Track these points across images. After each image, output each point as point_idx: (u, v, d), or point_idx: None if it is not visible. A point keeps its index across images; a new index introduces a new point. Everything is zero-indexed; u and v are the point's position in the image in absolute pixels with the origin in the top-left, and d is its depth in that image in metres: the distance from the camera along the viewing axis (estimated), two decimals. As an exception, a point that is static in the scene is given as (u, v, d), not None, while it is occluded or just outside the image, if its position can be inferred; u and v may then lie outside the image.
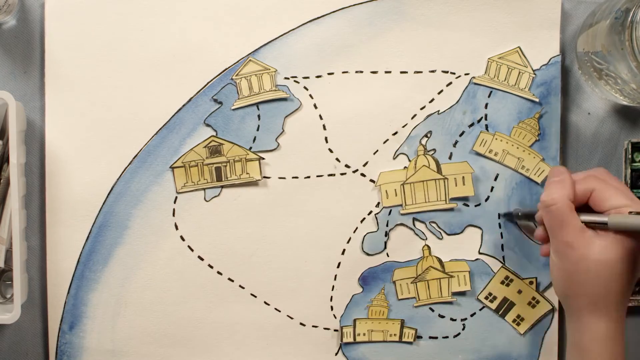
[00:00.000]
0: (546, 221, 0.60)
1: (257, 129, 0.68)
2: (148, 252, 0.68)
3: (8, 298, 0.68)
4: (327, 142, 0.68)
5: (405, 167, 0.68)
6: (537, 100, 0.68)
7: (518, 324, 0.69)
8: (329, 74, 0.68)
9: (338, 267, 0.69)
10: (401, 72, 0.68)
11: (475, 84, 0.68)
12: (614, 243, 0.57)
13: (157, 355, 0.69)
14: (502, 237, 0.69)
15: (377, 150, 0.68)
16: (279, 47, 0.68)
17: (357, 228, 0.69)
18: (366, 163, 0.68)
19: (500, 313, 0.69)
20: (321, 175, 0.69)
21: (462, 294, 0.69)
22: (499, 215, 0.69)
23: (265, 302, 0.69)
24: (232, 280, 0.69)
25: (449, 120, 0.68)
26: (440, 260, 0.69)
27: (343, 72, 0.68)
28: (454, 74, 0.68)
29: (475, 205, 0.69)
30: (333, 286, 0.69)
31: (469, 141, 0.69)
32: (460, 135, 0.69)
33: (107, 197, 0.68)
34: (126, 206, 0.68)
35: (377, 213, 0.69)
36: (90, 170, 0.68)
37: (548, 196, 0.59)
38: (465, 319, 0.69)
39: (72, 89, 0.68)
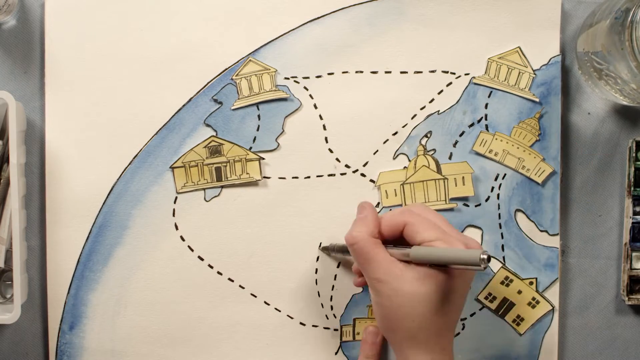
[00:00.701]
0: (354, 259, 0.60)
1: (257, 129, 0.68)
2: (148, 252, 0.68)
3: (8, 298, 0.68)
4: (327, 142, 0.68)
5: (405, 167, 0.68)
6: (537, 100, 0.68)
7: (518, 324, 0.69)
8: (329, 74, 0.68)
9: (338, 267, 0.69)
10: (401, 72, 0.68)
11: (475, 84, 0.68)
12: (425, 277, 0.57)
13: (157, 355, 0.69)
14: (502, 237, 0.69)
15: (377, 150, 0.68)
16: (279, 47, 0.68)
17: (357, 228, 0.69)
18: (366, 163, 0.68)
19: (500, 313, 0.69)
20: (321, 175, 0.69)
21: (462, 294, 0.69)
22: (319, 245, 0.68)
23: (265, 302, 0.69)
24: (232, 280, 0.69)
25: (449, 120, 0.68)
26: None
27: (343, 72, 0.68)
28: (454, 74, 0.68)
29: (476, 206, 0.69)
30: (333, 286, 0.69)
31: (469, 141, 0.69)
32: (460, 135, 0.69)
33: (107, 197, 0.68)
34: (126, 206, 0.68)
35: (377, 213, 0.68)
36: (90, 170, 0.68)
37: (350, 234, 0.60)
38: (465, 319, 0.69)
39: (72, 89, 0.68)
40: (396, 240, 0.60)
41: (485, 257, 0.52)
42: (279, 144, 0.68)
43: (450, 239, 0.57)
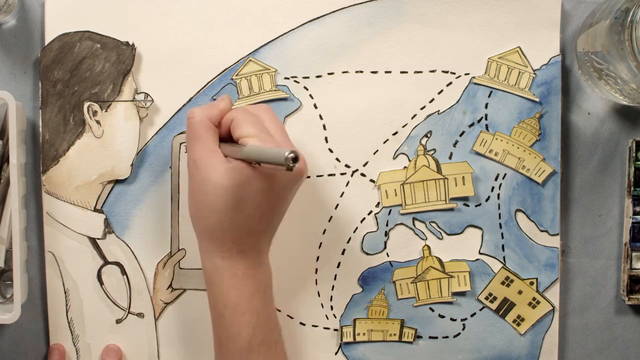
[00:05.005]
0: (187, 133, 0.60)
1: (257, 129, 0.68)
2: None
3: (8, 298, 0.68)
4: (327, 142, 0.68)
5: (405, 167, 0.68)
6: (537, 100, 0.68)
7: (518, 324, 0.69)
8: (329, 74, 0.68)
9: (338, 267, 0.69)
10: (401, 72, 0.68)
11: (476, 83, 0.68)
12: (234, 170, 0.56)
13: (157, 355, 0.69)
14: (502, 237, 0.69)
15: (377, 150, 0.68)
16: (279, 47, 0.68)
17: (357, 228, 0.69)
18: (366, 163, 0.68)
19: (500, 313, 0.69)
20: (321, 175, 0.69)
21: (462, 294, 0.69)
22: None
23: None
24: (232, 280, 0.69)
25: (449, 120, 0.68)
26: (440, 261, 0.68)
27: (343, 72, 0.68)
28: (454, 73, 0.68)
29: (476, 206, 0.69)
30: (333, 286, 0.69)
31: (469, 141, 0.69)
32: (461, 135, 0.69)
33: (107, 197, 0.68)
34: (126, 206, 0.68)
35: (377, 213, 0.69)
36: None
37: (192, 109, 0.60)
38: (465, 319, 0.69)
39: (72, 89, 0.68)
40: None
41: (291, 155, 0.51)
42: (279, 144, 0.68)
43: (267, 140, 0.57)
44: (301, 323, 0.69)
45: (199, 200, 0.58)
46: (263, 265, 0.61)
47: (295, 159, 0.51)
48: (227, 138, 0.60)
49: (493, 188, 0.69)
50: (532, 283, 0.69)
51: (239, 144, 0.58)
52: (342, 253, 0.69)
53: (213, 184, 0.56)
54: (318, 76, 0.68)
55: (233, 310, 0.58)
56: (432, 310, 0.69)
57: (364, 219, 0.69)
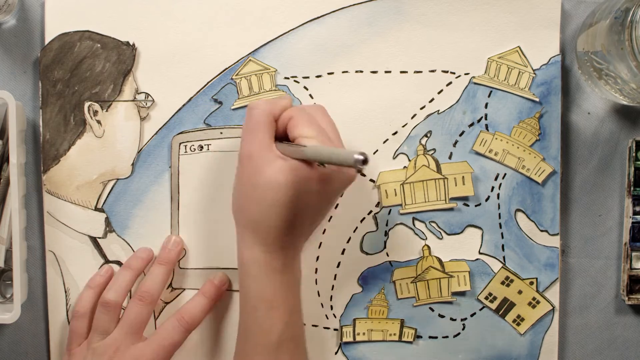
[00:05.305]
0: (245, 125, 0.59)
1: (257, 129, 0.68)
2: (148, 252, 0.69)
3: (8, 298, 0.68)
4: (327, 142, 0.68)
5: (405, 167, 0.68)
6: (537, 99, 0.68)
7: (518, 324, 0.69)
8: (329, 74, 0.68)
9: (338, 266, 0.69)
10: (401, 72, 0.68)
11: (475, 83, 0.68)
12: (290, 168, 0.55)
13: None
14: (502, 237, 0.69)
15: (377, 150, 0.68)
16: (279, 47, 0.68)
17: (356, 228, 0.69)
18: (367, 159, 0.68)
19: (500, 313, 0.69)
20: (321, 175, 0.68)
21: (462, 294, 0.69)
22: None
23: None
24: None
25: (449, 120, 0.68)
26: (440, 260, 0.68)
27: (343, 72, 0.68)
28: (453, 73, 0.68)
29: (476, 205, 0.69)
30: (333, 286, 0.69)
31: (469, 141, 0.69)
32: (460, 135, 0.69)
33: (107, 197, 0.68)
34: (126, 206, 0.68)
35: (377, 213, 0.69)
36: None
37: (256, 101, 0.60)
38: (465, 318, 0.69)
39: (72, 89, 0.68)
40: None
41: (361, 158, 0.50)
42: (278, 143, 0.68)
43: (324, 140, 0.57)
44: (301, 323, 0.69)
45: (247, 193, 0.57)
46: (297, 262, 0.61)
47: (365, 161, 0.50)
48: (280, 136, 0.60)
49: (493, 188, 0.69)
50: (532, 283, 0.69)
51: (295, 143, 0.57)
52: (342, 253, 0.69)
53: (266, 179, 0.56)
54: (318, 76, 0.68)
55: (268, 304, 0.58)
56: (432, 310, 0.69)
57: (364, 218, 0.69)
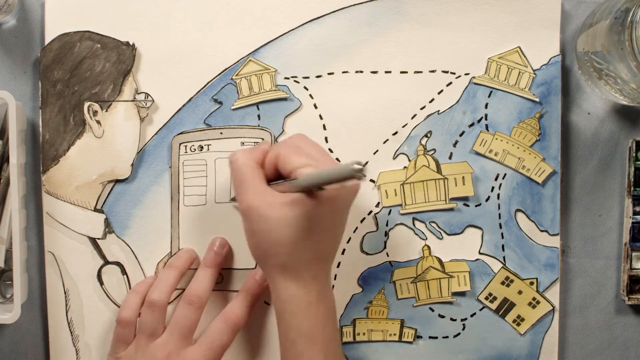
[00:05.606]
0: (233, 181, 0.60)
1: (257, 129, 0.68)
2: (148, 252, 0.68)
3: (8, 298, 0.68)
4: (327, 142, 0.68)
5: (405, 167, 0.68)
6: (537, 100, 0.68)
7: (518, 324, 0.69)
8: (329, 74, 0.68)
9: (338, 267, 0.69)
10: (401, 72, 0.68)
11: (475, 83, 0.68)
12: (293, 202, 0.56)
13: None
14: (502, 237, 0.69)
15: (377, 150, 0.68)
16: (279, 47, 0.68)
17: (356, 228, 0.69)
18: (366, 163, 0.68)
19: (500, 313, 0.69)
20: (321, 175, 0.68)
21: (462, 294, 0.69)
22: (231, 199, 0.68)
23: (265, 302, 0.69)
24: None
25: (449, 120, 0.68)
26: (440, 261, 0.68)
27: (343, 72, 0.68)
28: (454, 73, 0.68)
29: (476, 206, 0.69)
30: (333, 286, 0.69)
31: (469, 141, 0.69)
32: (460, 135, 0.69)
33: (107, 197, 0.68)
34: (126, 206, 0.68)
35: (377, 213, 0.69)
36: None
37: (233, 153, 0.60)
38: (465, 319, 0.69)
39: (72, 89, 0.68)
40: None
41: (358, 166, 0.49)
42: (279, 143, 0.68)
43: (319, 164, 0.57)
44: (301, 323, 0.69)
45: (263, 239, 0.58)
46: (330, 290, 0.61)
47: (363, 168, 0.50)
48: (273, 178, 0.60)
49: (493, 188, 0.69)
50: (532, 283, 0.69)
51: (290, 178, 0.58)
52: (342, 253, 0.69)
53: (275, 220, 0.57)
54: (318, 76, 0.68)
55: (306, 337, 0.58)
56: (432, 310, 0.69)
57: (364, 218, 0.69)
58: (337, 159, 0.68)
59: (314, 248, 0.58)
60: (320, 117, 0.68)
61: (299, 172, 0.57)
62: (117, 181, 0.68)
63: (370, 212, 0.69)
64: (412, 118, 0.68)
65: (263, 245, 0.58)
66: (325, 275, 0.60)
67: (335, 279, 0.69)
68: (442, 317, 0.69)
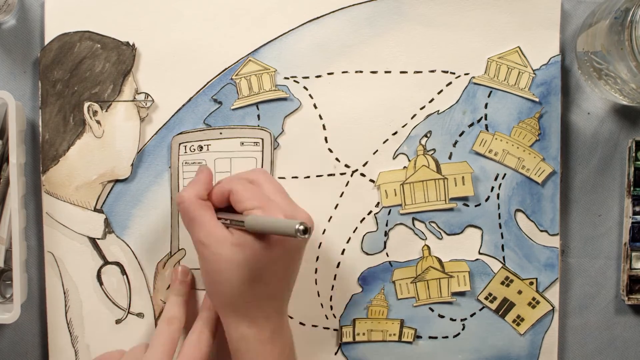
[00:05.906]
0: (182, 220, 0.60)
1: (257, 129, 0.68)
2: (148, 252, 0.68)
3: (8, 298, 0.68)
4: (326, 142, 0.68)
5: (404, 167, 0.68)
6: (537, 100, 0.68)
7: (518, 324, 0.69)
8: (328, 74, 0.68)
9: (337, 266, 0.69)
10: (401, 72, 0.68)
11: (475, 83, 0.68)
12: (243, 243, 0.56)
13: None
14: (502, 237, 0.69)
15: (377, 150, 0.68)
16: (279, 47, 0.68)
17: (356, 228, 0.69)
18: (366, 163, 0.68)
19: (500, 313, 0.69)
20: (321, 175, 0.69)
21: (462, 294, 0.69)
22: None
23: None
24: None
25: (449, 120, 0.68)
26: (440, 261, 0.68)
27: (343, 72, 0.68)
28: (453, 73, 0.68)
29: (475, 206, 0.69)
30: (332, 286, 0.69)
31: (468, 141, 0.69)
32: (460, 135, 0.69)
33: (107, 197, 0.68)
34: (126, 206, 0.68)
35: (377, 213, 0.69)
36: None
37: (179, 194, 0.60)
38: (465, 319, 0.69)
39: (72, 89, 0.68)
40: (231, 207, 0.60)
41: (301, 228, 0.51)
42: (278, 143, 0.68)
43: (271, 208, 0.57)
44: (301, 323, 0.69)
45: (215, 278, 0.58)
46: (285, 327, 0.61)
47: (306, 231, 0.51)
48: (224, 207, 0.61)
49: (493, 188, 0.69)
50: (531, 283, 0.69)
51: (238, 215, 0.58)
52: (342, 253, 0.69)
53: (225, 260, 0.57)
54: (318, 76, 0.68)
55: None
56: (432, 310, 0.69)
57: (364, 219, 0.69)
58: (336, 159, 0.68)
59: (265, 290, 0.58)
60: (320, 117, 0.68)
61: (246, 214, 0.57)
62: (117, 181, 0.68)
63: (370, 212, 0.69)
64: (412, 118, 0.68)
65: (214, 283, 0.59)
66: (278, 314, 0.60)
67: (335, 279, 0.69)
68: (442, 317, 0.69)
